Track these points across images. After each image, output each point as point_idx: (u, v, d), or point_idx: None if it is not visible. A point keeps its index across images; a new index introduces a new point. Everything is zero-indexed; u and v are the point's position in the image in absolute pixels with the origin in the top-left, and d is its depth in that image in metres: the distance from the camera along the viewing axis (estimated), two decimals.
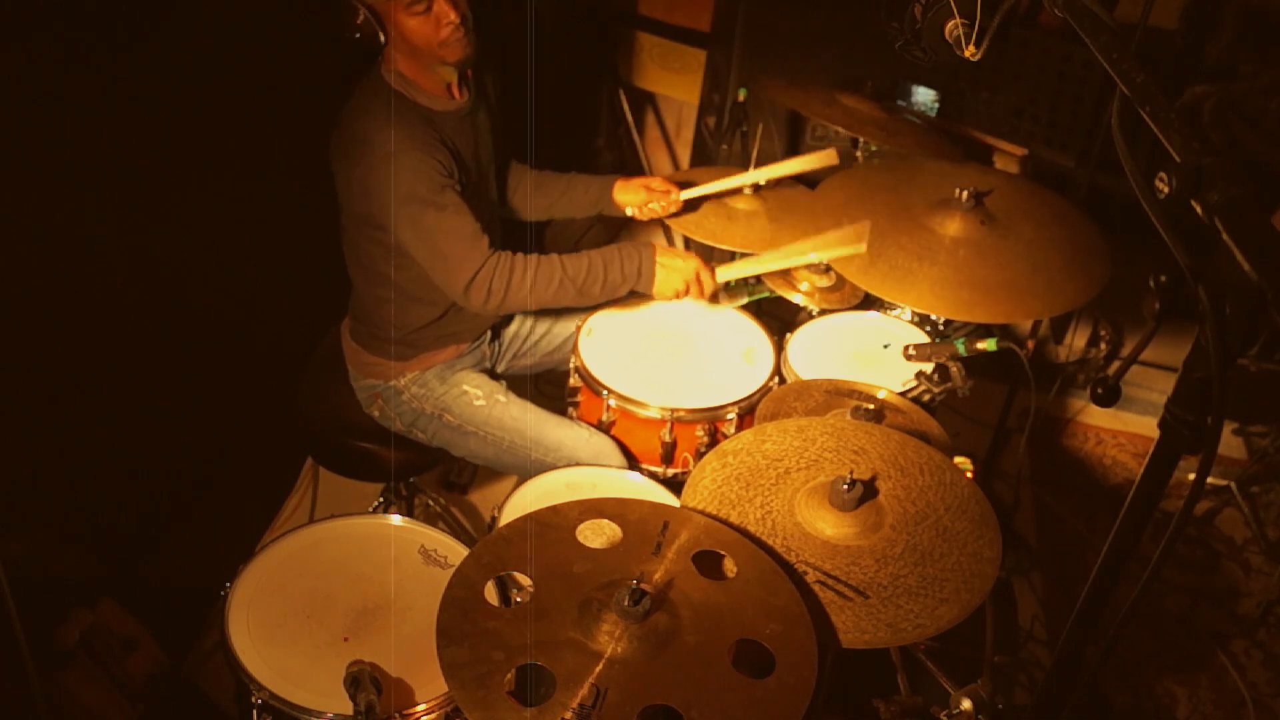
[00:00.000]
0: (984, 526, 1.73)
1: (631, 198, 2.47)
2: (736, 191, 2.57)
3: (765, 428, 1.88)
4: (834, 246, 2.23)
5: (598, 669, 1.40)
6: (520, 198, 2.50)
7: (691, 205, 2.53)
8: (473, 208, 2.13)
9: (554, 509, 1.66)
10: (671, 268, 2.20)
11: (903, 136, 2.68)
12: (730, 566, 1.62)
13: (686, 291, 2.23)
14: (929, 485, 1.79)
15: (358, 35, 1.99)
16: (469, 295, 2.07)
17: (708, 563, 1.64)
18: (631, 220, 2.52)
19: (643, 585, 1.44)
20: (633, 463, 2.27)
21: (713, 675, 1.42)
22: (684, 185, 2.52)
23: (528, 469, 2.15)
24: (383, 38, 2.00)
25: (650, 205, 2.46)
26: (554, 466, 2.15)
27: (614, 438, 2.28)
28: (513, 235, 2.46)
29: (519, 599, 1.70)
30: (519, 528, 1.65)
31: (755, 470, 1.78)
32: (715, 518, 1.69)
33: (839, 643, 1.53)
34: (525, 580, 1.57)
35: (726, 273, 2.31)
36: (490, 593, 1.82)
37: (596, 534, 1.65)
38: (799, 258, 2.28)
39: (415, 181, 2.00)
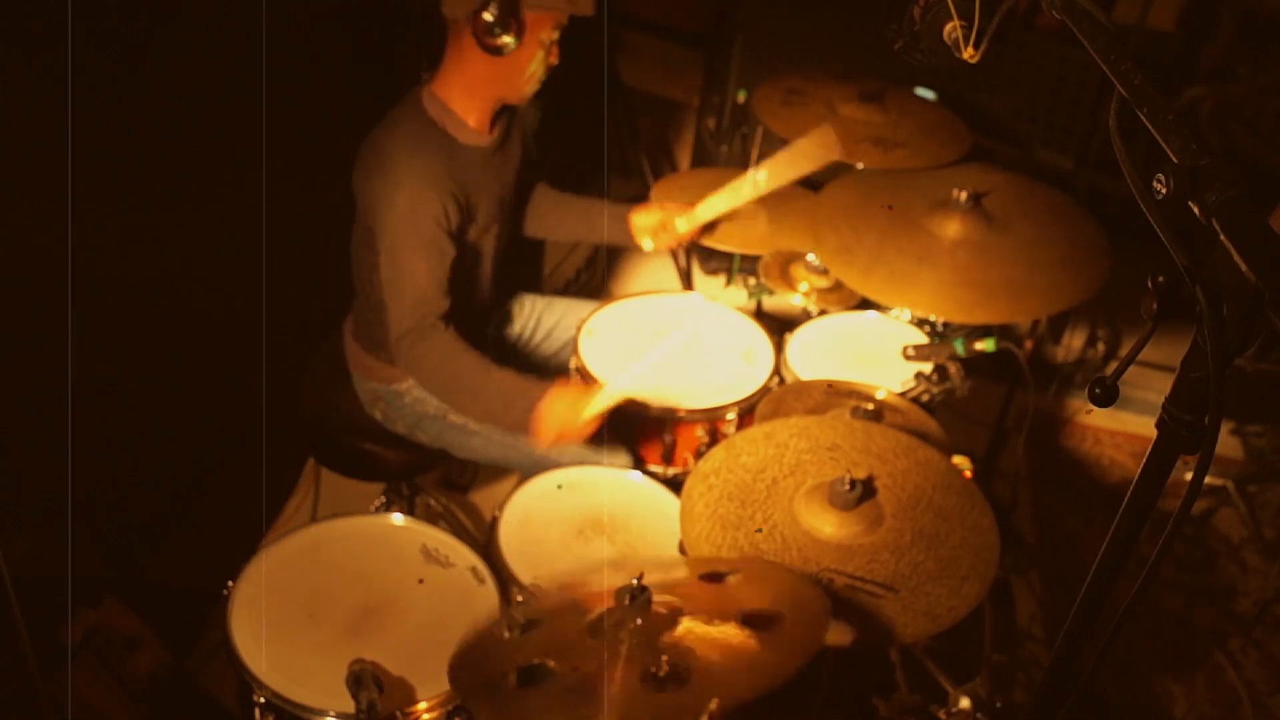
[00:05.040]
0: (969, 496, 1.75)
1: (648, 221, 2.46)
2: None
3: (734, 441, 1.88)
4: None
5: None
6: (536, 218, 2.51)
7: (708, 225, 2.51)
8: (480, 248, 2.13)
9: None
10: (551, 413, 2.01)
11: (901, 149, 2.64)
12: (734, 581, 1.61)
13: (557, 439, 2.03)
14: (909, 467, 1.80)
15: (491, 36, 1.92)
16: (398, 345, 2.06)
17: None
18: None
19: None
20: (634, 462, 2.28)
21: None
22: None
23: (533, 467, 2.15)
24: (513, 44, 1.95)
25: (671, 227, 2.44)
26: (558, 463, 2.15)
27: None
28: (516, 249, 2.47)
29: (520, 599, 1.70)
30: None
31: (743, 486, 1.77)
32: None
33: (894, 641, 1.53)
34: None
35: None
36: (491, 594, 1.83)
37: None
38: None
39: (411, 217, 2.00)
